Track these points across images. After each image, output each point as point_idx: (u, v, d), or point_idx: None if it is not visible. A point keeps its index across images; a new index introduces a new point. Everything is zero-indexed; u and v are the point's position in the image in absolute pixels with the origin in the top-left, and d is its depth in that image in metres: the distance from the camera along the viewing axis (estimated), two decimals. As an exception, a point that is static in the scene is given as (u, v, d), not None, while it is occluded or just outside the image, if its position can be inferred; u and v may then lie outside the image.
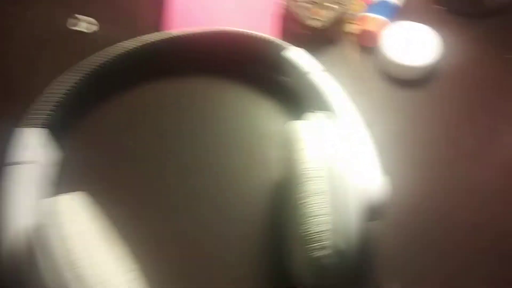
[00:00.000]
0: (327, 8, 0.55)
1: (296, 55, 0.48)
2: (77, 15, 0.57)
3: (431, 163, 0.48)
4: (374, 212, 0.37)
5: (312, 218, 0.35)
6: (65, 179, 0.43)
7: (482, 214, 0.46)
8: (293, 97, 0.52)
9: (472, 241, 0.44)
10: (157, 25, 0.55)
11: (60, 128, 0.44)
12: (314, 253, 0.34)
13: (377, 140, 0.40)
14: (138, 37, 0.49)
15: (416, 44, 0.53)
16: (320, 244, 0.34)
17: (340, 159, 0.36)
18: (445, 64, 0.54)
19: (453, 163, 0.48)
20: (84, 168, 0.45)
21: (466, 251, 0.43)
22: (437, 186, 0.47)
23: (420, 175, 0.48)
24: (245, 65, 0.53)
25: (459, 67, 0.55)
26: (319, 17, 0.55)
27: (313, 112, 0.41)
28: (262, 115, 0.52)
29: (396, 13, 0.58)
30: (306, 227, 0.34)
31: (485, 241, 0.44)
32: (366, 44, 0.57)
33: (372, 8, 0.58)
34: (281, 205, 0.44)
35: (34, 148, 0.40)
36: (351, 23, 0.58)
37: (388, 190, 0.38)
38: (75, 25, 0.56)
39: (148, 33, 0.50)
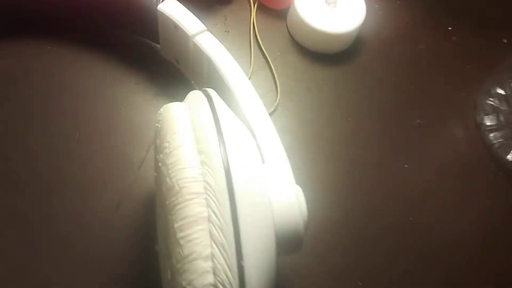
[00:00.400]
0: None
1: (177, 11, 0.34)
2: None
3: (353, 163, 0.37)
4: (290, 244, 0.24)
5: (190, 262, 0.21)
6: None
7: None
8: (173, 71, 0.37)
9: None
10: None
11: None
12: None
13: (286, 131, 0.27)
14: None
15: (336, 8, 0.41)
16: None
17: (234, 161, 0.23)
18: (371, 33, 0.43)
19: (379, 163, 0.37)
20: None
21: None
22: (361, 195, 0.35)
23: (340, 181, 0.36)
24: (110, 27, 0.38)
25: (387, 37, 0.44)
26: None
27: (199, 90, 0.27)
28: (130, 97, 0.37)
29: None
30: (186, 277, 0.21)
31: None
32: (273, 5, 0.44)
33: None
34: (156, 219, 0.30)
35: None
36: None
37: (304, 206, 0.25)
38: None
39: None
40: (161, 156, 0.24)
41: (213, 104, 0.25)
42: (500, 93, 0.36)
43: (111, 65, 0.39)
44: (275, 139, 0.27)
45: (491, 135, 0.36)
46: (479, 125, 0.37)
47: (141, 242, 0.32)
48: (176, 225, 0.21)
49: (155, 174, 0.24)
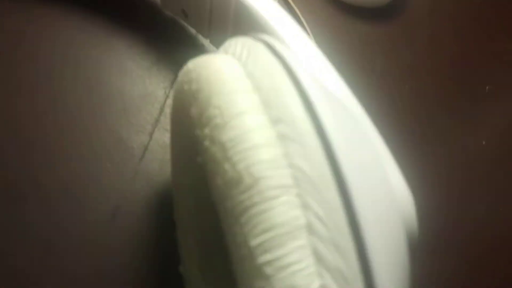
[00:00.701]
0: None
1: None
2: None
3: (415, 139, 0.29)
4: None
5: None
6: None
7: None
8: (176, 30, 0.29)
9: None
10: None
11: None
12: None
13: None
14: None
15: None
16: None
17: (337, 133, 0.14)
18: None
19: (446, 141, 0.29)
20: None
21: None
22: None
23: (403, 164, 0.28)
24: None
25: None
26: None
27: (245, 37, 0.18)
28: (122, 65, 0.28)
29: None
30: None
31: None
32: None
33: None
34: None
35: None
36: None
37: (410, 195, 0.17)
38: None
39: None
40: (206, 131, 0.15)
41: (275, 50, 0.16)
42: None
43: (99, 26, 0.29)
44: (361, 110, 0.18)
45: None
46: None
47: (152, 262, 0.23)
48: (254, 243, 0.13)
49: (198, 159, 0.15)
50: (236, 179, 0.13)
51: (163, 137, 0.27)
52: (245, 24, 0.23)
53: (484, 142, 0.29)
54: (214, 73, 0.16)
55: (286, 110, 0.14)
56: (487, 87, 0.31)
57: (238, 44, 0.17)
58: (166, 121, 0.27)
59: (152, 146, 0.26)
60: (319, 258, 0.12)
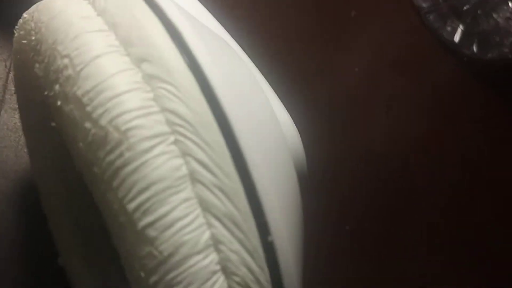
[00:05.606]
0: None
1: None
2: None
3: (292, 72, 0.28)
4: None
5: (179, 266, 0.11)
6: None
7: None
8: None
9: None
10: None
11: None
12: None
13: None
14: None
15: None
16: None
17: (211, 66, 0.12)
18: None
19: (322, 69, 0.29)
20: None
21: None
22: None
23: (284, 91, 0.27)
24: None
25: None
26: None
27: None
28: None
29: None
30: None
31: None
32: None
33: None
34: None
35: None
36: None
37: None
38: None
39: None
40: (57, 88, 0.12)
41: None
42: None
43: None
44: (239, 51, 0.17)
45: (431, 17, 0.32)
46: (418, 10, 0.32)
47: (28, 261, 0.20)
48: (132, 206, 0.11)
49: (52, 124, 0.13)
50: (100, 137, 0.11)
51: (13, 118, 0.23)
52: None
53: (356, 69, 0.29)
54: (56, 17, 0.13)
55: (150, 46, 0.12)
56: (352, 13, 0.31)
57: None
58: (12, 99, 0.23)
59: (2, 132, 0.22)
60: (206, 208, 0.11)
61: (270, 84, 0.18)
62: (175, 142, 0.11)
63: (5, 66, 0.24)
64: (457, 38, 0.31)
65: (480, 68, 0.31)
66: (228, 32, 0.19)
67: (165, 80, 0.12)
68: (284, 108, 0.17)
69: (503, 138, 0.30)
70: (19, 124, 0.22)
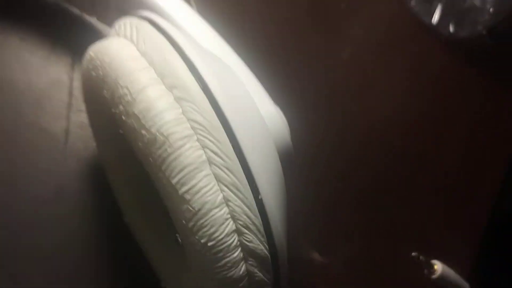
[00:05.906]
0: None
1: None
2: None
3: (287, 54, 0.34)
4: (286, 164, 0.22)
5: (205, 215, 0.18)
6: None
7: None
8: (65, 14, 0.31)
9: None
10: None
11: None
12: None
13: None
14: None
15: None
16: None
17: (216, 88, 0.19)
18: None
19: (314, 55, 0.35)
20: None
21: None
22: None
23: (275, 74, 0.34)
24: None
25: None
26: None
27: (129, 16, 0.22)
28: (19, 58, 0.30)
29: None
30: (204, 233, 0.18)
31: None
32: None
33: None
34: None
35: None
36: None
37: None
38: None
39: None
40: (121, 108, 0.19)
41: (159, 26, 0.20)
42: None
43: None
44: (235, 57, 0.23)
45: (413, 2, 0.36)
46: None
47: (101, 221, 0.28)
48: (174, 181, 0.18)
49: (120, 131, 0.20)
50: (152, 139, 0.18)
51: (80, 117, 0.30)
52: None
53: (344, 57, 0.35)
54: (115, 58, 0.20)
55: (178, 78, 0.19)
56: (342, 5, 0.36)
57: (127, 26, 0.21)
58: (77, 103, 0.30)
59: (72, 128, 0.30)
60: (219, 180, 0.18)
61: (262, 76, 0.24)
62: (197, 140, 0.18)
63: (68, 76, 0.31)
64: (435, 19, 0.36)
65: (456, 47, 0.36)
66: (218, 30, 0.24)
67: (188, 100, 0.18)
68: (270, 99, 0.23)
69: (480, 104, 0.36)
70: (85, 122, 0.30)
